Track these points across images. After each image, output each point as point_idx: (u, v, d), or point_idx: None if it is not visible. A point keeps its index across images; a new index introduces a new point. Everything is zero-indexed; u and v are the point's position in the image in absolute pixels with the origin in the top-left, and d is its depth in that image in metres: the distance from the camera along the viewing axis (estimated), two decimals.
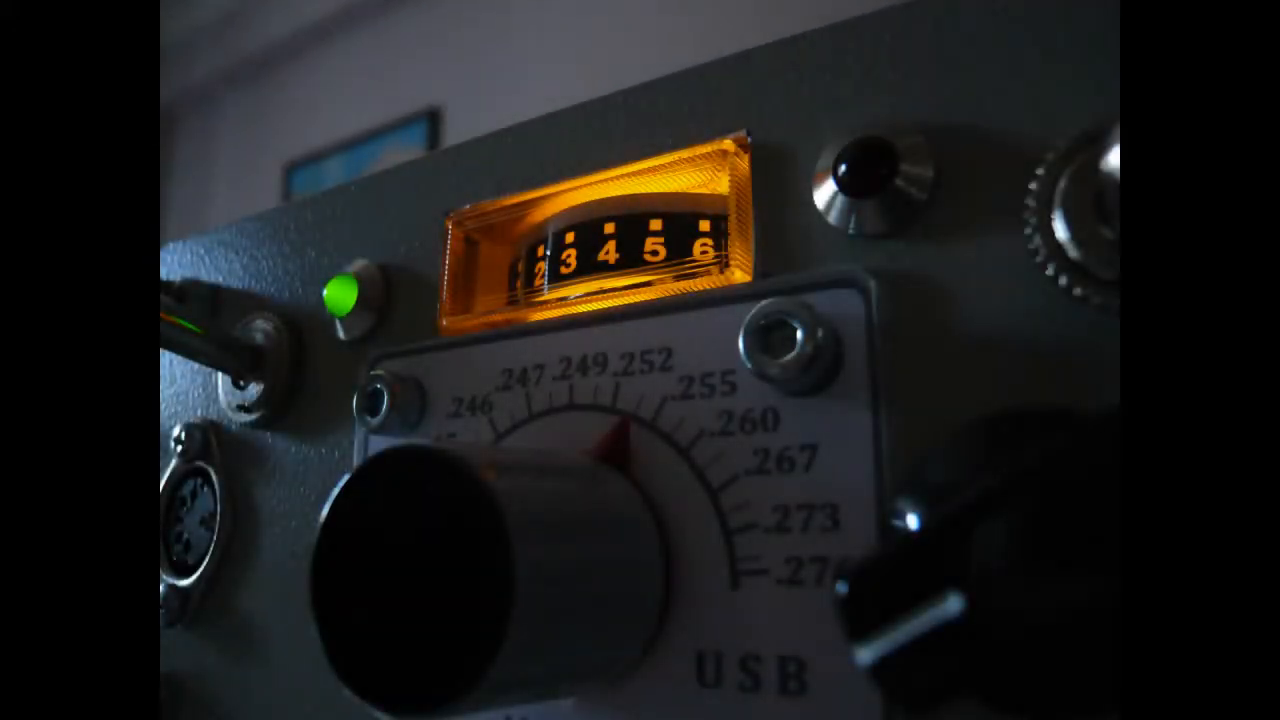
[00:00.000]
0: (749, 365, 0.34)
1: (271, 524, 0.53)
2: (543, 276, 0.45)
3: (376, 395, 0.45)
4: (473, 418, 0.44)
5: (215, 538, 0.54)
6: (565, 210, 0.46)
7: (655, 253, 0.42)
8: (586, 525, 0.33)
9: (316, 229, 0.56)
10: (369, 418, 0.45)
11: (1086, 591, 0.26)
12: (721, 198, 0.41)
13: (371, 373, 0.46)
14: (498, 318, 0.46)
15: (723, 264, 0.39)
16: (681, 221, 0.43)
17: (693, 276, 0.40)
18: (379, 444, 0.47)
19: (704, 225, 0.43)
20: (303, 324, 0.55)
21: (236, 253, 0.61)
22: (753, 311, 0.34)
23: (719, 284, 0.39)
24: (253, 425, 0.55)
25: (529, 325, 0.44)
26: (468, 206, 0.48)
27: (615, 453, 0.38)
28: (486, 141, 0.49)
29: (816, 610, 0.33)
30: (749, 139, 0.40)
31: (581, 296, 0.43)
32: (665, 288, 0.41)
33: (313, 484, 0.52)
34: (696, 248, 0.43)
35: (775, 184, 0.39)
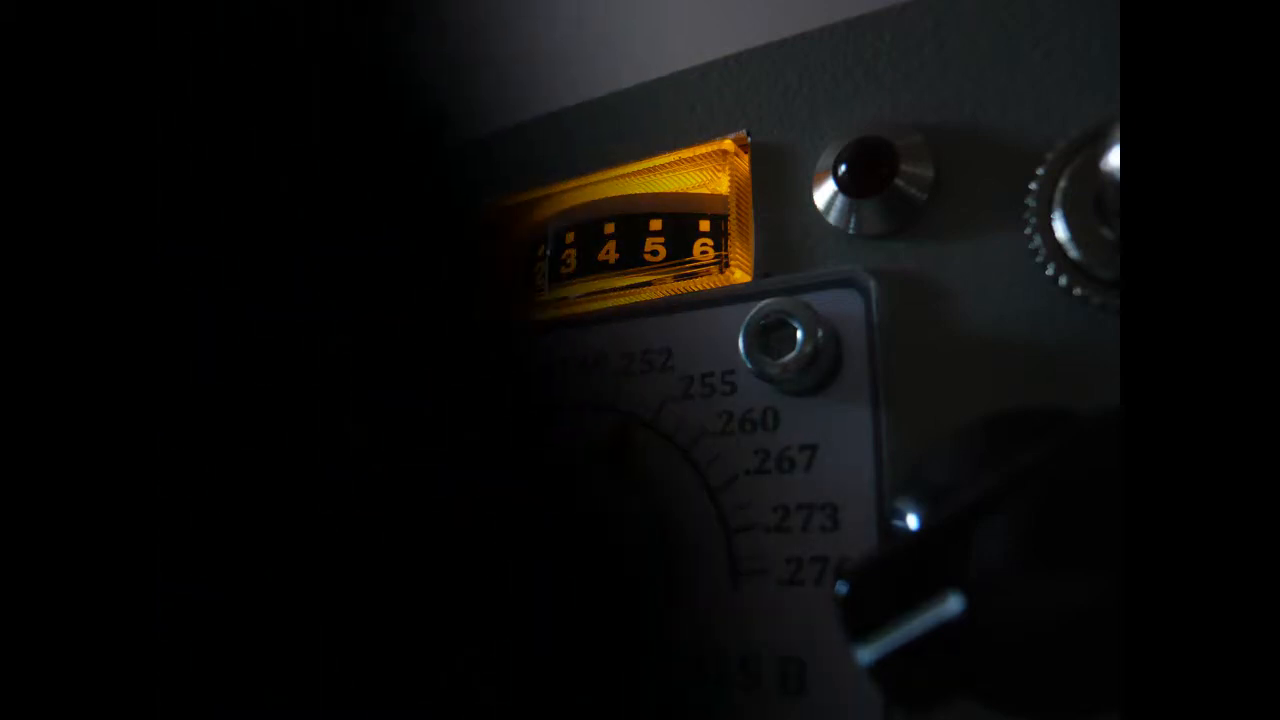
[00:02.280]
0: (749, 365, 0.35)
1: None
2: (543, 276, 0.46)
3: None
4: None
5: None
6: (565, 210, 0.46)
7: (655, 253, 0.43)
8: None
9: None
10: None
11: (1086, 591, 0.26)
12: (721, 198, 0.42)
13: None
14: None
15: (723, 264, 0.40)
16: (681, 222, 0.44)
17: (693, 276, 0.41)
18: None
19: (704, 225, 0.43)
20: None
21: None
22: (753, 311, 0.35)
23: (719, 284, 0.40)
24: None
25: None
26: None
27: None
28: (486, 142, 0.50)
29: (816, 610, 0.34)
30: (749, 139, 0.41)
31: (581, 297, 0.44)
32: (666, 288, 0.41)
33: None
34: (696, 248, 0.43)
35: (775, 184, 0.40)
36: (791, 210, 0.39)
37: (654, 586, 0.36)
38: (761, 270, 0.39)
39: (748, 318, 0.35)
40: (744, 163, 0.40)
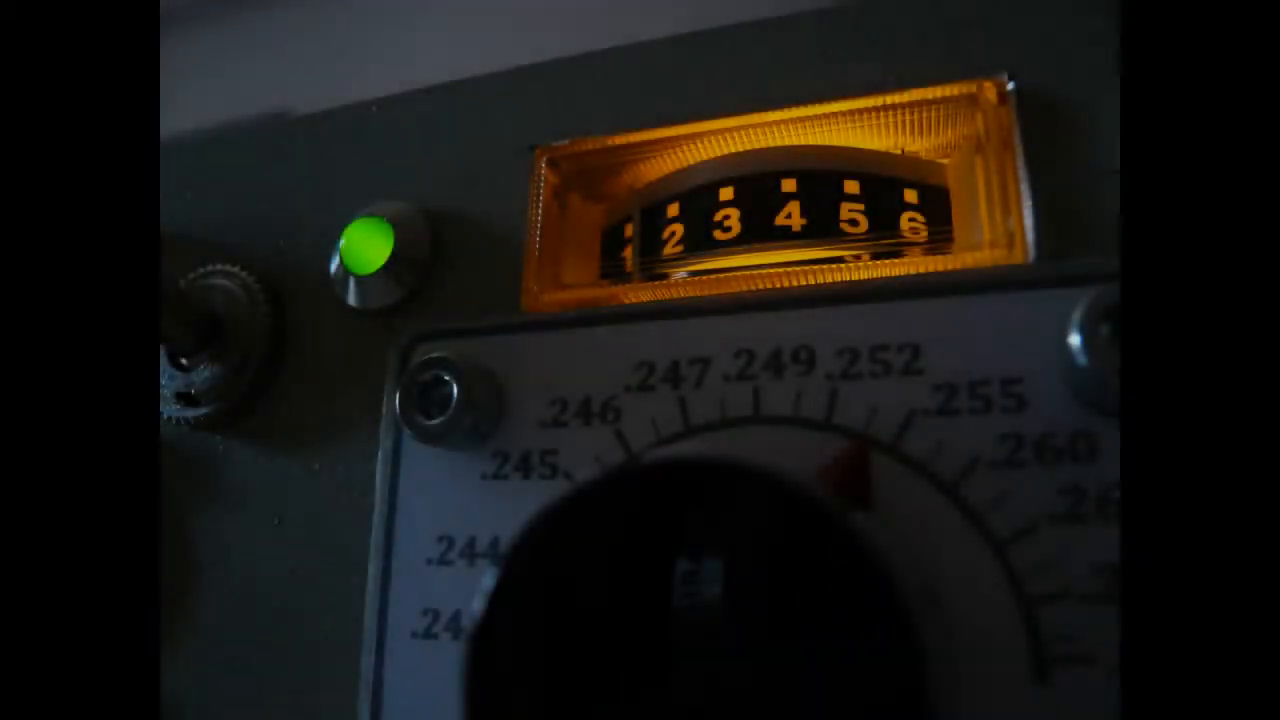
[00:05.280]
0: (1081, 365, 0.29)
1: (220, 573, 0.44)
2: (676, 242, 0.39)
3: (438, 387, 0.38)
4: (586, 428, 0.37)
5: None
6: (716, 159, 0.40)
7: (854, 222, 0.37)
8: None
9: (327, 153, 0.48)
10: (422, 420, 0.37)
11: None
12: (935, 164, 0.37)
13: (430, 356, 0.38)
14: (619, 290, 0.39)
15: (939, 245, 0.36)
16: (882, 187, 0.38)
17: (894, 256, 0.36)
18: (424, 458, 0.40)
19: (910, 195, 0.38)
20: (285, 283, 0.47)
21: (193, 172, 0.52)
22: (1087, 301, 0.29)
23: (930, 268, 0.35)
24: (199, 425, 0.46)
25: (684, 303, 0.37)
26: (568, 141, 0.42)
27: (852, 487, 0.31)
28: (604, 58, 0.43)
29: None
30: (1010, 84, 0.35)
31: (741, 270, 0.37)
32: (862, 268, 0.35)
33: (295, 518, 0.43)
34: (904, 221, 0.37)
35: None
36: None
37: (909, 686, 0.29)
38: (1048, 250, 0.33)
39: (1080, 308, 0.29)
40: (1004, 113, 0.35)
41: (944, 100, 0.36)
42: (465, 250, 0.43)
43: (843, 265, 0.35)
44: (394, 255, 0.42)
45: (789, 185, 0.37)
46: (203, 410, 0.46)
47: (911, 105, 0.36)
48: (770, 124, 0.38)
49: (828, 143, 0.38)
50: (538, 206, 0.41)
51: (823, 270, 0.36)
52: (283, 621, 0.41)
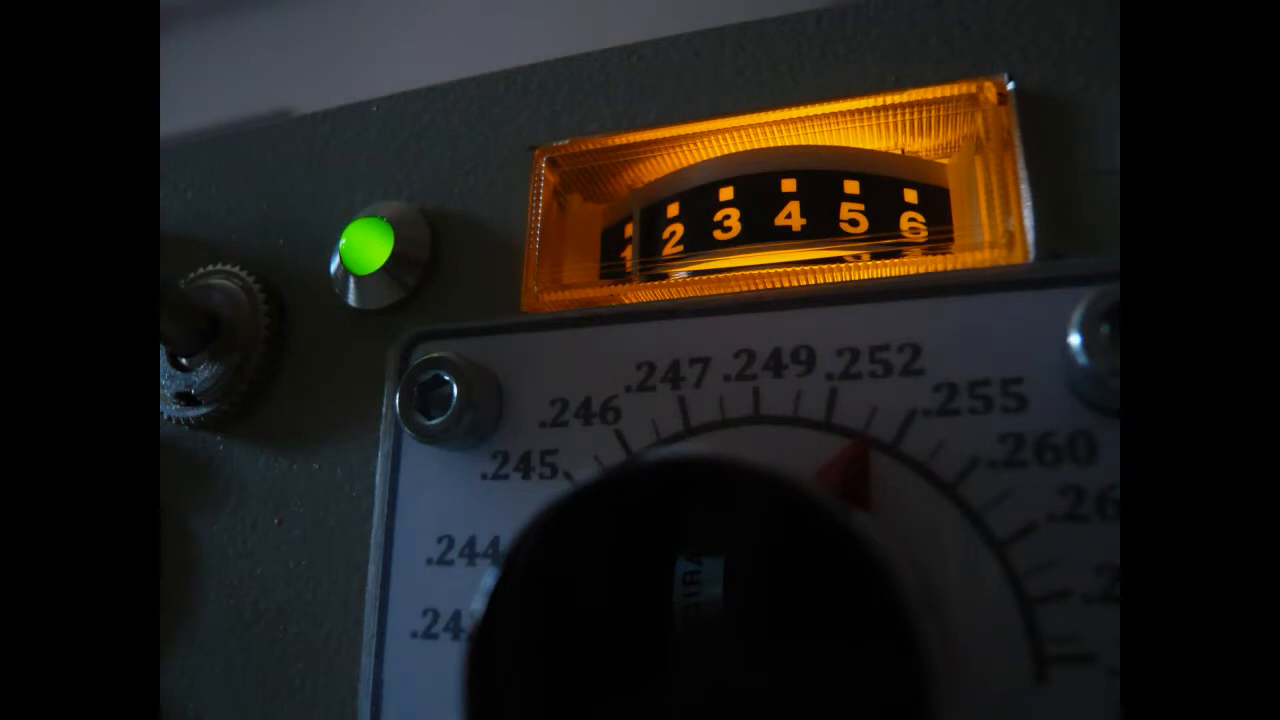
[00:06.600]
0: (1081, 365, 0.29)
1: (221, 573, 0.44)
2: (676, 242, 0.39)
3: (438, 387, 0.38)
4: (586, 428, 0.37)
5: None
6: (717, 159, 0.40)
7: (854, 222, 0.37)
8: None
9: (327, 153, 0.48)
10: (422, 419, 0.37)
11: None
12: (935, 165, 0.37)
13: (430, 356, 0.38)
14: (619, 290, 0.39)
15: (940, 244, 0.35)
16: (882, 187, 0.37)
17: (894, 256, 0.35)
18: (424, 458, 0.40)
19: (910, 195, 0.37)
20: (285, 283, 0.47)
21: (193, 172, 0.52)
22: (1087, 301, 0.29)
23: (929, 268, 0.34)
24: (199, 425, 0.46)
25: (684, 303, 0.37)
26: (568, 141, 0.41)
27: (852, 487, 0.31)
28: (603, 58, 0.42)
29: None
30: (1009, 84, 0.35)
31: (741, 270, 0.37)
32: (863, 268, 0.35)
33: (295, 518, 0.43)
34: (904, 221, 0.37)
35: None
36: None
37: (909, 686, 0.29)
38: (1047, 250, 0.33)
39: (1081, 308, 0.29)
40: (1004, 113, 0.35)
41: (944, 100, 0.35)
42: (465, 250, 0.43)
43: (843, 265, 0.35)
44: (394, 255, 0.42)
45: (789, 185, 0.37)
46: (203, 410, 0.45)
47: (911, 105, 0.36)
48: (770, 124, 0.38)
49: (828, 143, 0.38)
50: (538, 206, 0.41)
51: (823, 270, 0.35)
52: (283, 621, 0.41)
